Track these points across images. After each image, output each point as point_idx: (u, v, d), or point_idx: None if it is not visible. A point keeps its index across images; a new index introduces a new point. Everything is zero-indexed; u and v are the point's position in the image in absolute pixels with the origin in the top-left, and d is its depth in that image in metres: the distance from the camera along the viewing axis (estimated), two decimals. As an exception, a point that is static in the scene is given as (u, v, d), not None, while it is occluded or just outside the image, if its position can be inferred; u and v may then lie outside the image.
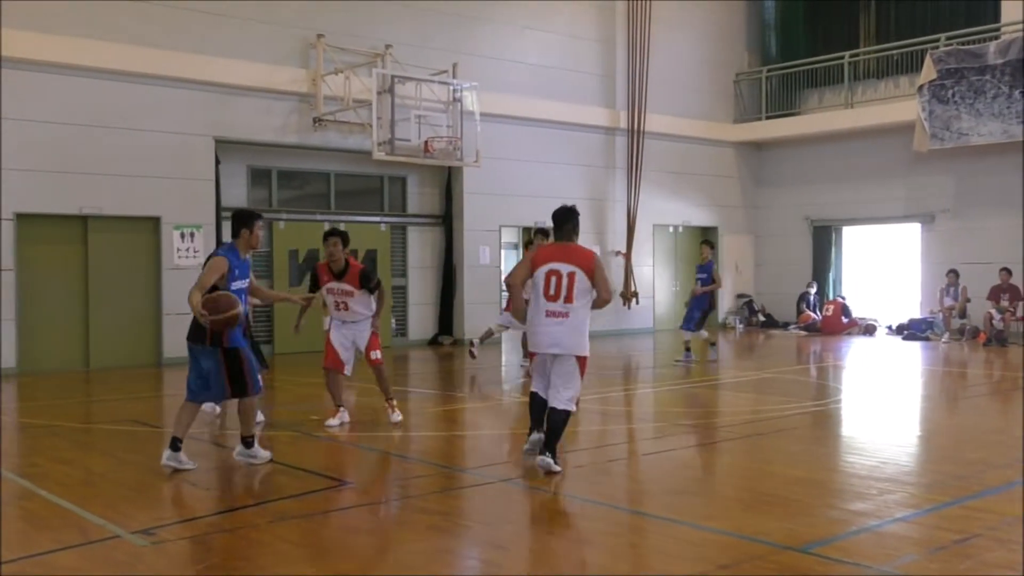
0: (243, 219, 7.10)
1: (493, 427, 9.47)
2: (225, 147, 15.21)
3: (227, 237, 15.18)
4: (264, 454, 7.16)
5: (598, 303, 7.01)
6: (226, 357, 6.84)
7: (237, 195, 15.66)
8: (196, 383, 7.03)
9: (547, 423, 6.89)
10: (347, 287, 8.76)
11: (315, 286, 9.00)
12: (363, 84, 15.31)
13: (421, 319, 17.80)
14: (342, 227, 16.47)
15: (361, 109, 15.49)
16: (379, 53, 16.06)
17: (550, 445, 6.79)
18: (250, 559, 5.05)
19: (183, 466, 6.89)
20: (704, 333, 14.46)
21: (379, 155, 14.83)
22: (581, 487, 6.75)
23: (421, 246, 17.70)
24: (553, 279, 6.89)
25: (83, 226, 13.91)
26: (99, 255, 14.00)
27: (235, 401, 7.14)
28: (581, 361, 6.95)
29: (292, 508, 5.99)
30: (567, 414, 6.88)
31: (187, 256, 14.50)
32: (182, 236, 14.51)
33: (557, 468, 6.75)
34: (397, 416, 9.03)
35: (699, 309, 14.28)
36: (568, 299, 6.85)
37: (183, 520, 5.72)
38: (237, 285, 6.99)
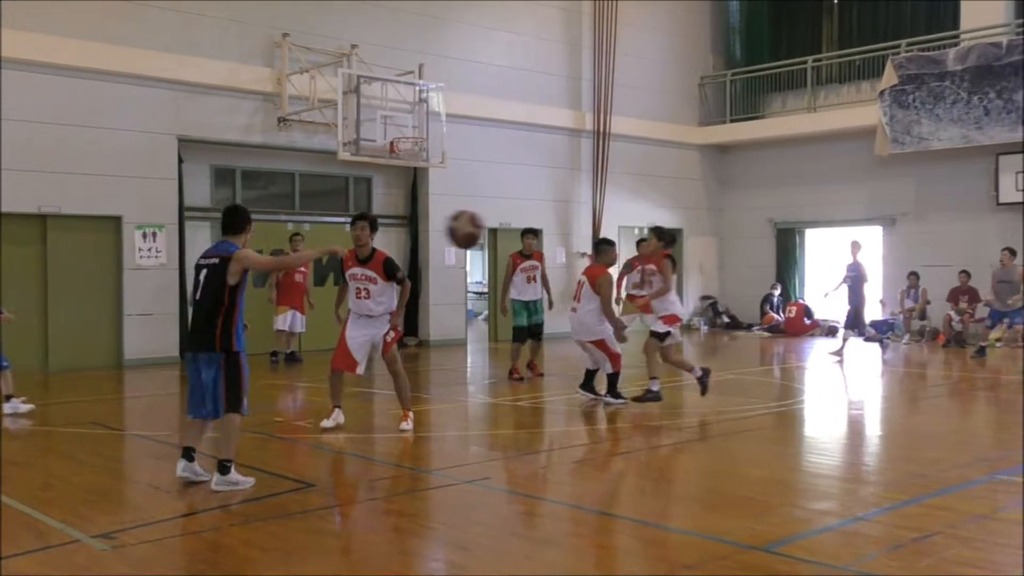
0: (246, 216, 6.74)
1: (458, 428, 9.46)
2: (188, 146, 15.06)
3: (192, 237, 15.10)
4: (247, 481, 6.42)
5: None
6: (227, 364, 6.40)
7: (200, 195, 15.51)
8: (194, 398, 6.55)
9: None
10: (371, 273, 8.52)
11: (341, 274, 8.83)
12: (329, 84, 15.23)
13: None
14: (306, 228, 16.41)
15: (326, 109, 15.41)
16: (345, 53, 15.99)
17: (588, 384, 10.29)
18: (214, 563, 5.00)
19: (199, 477, 6.48)
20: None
21: (344, 155, 14.76)
22: (545, 488, 6.76)
23: (386, 247, 17.48)
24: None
25: (42, 225, 13.70)
26: (58, 255, 13.79)
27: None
28: (597, 343, 9.98)
29: (257, 511, 5.94)
30: (610, 375, 10.05)
31: (149, 256, 14.33)
32: (144, 236, 14.33)
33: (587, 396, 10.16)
34: (408, 425, 8.61)
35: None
36: (577, 299, 10.11)
37: (145, 524, 5.64)
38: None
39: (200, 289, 6.45)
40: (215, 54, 14.95)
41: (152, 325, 14.34)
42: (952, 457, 7.57)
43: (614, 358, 10.03)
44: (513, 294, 12.41)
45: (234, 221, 6.66)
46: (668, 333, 10.06)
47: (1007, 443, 8.33)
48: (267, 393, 11.63)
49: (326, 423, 8.63)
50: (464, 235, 8.38)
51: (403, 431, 8.54)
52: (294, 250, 14.25)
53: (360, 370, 8.76)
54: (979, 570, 4.75)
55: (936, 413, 10.38)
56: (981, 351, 15.39)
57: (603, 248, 10.50)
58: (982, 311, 17.59)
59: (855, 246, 15.70)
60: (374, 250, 8.63)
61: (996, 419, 9.99)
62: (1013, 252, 15.33)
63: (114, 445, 8.00)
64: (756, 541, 5.18)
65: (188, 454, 6.52)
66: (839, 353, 15.33)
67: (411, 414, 8.77)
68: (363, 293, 8.55)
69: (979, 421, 10.09)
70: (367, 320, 8.62)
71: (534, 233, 12.96)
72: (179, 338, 14.52)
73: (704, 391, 10.06)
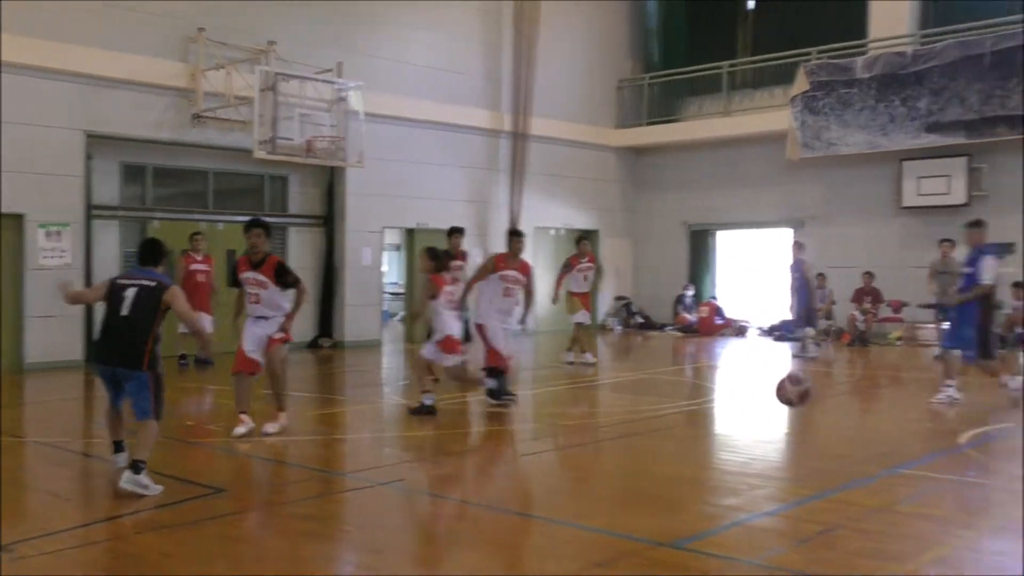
0: (163, 249, 7.10)
1: (372, 430, 9.38)
2: (97, 142, 14.61)
3: (99, 236, 14.67)
4: (156, 488, 6.32)
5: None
6: (151, 379, 6.55)
7: (109, 193, 15.07)
8: (118, 400, 6.79)
9: None
10: (262, 277, 8.42)
11: (234, 279, 8.69)
12: (245, 81, 14.94)
13: (300, 321, 17.39)
14: (220, 227, 16.09)
15: (242, 106, 15.11)
16: (262, 49, 15.71)
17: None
18: (118, 572, 4.87)
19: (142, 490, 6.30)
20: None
21: (260, 154, 14.50)
22: (459, 489, 6.76)
23: (302, 247, 17.37)
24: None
25: (-61, 223, 13.16)
26: (-44, 254, 13.25)
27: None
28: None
29: (163, 517, 5.80)
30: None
31: (52, 256, 13.84)
32: (48, 235, 13.85)
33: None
34: (273, 428, 8.45)
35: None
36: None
37: (45, 534, 5.44)
38: None
39: (131, 307, 6.56)
40: (126, 47, 14.51)
41: (55, 328, 13.83)
42: (854, 453, 7.81)
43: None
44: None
45: (153, 253, 6.99)
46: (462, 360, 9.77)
47: (905, 439, 8.63)
48: (177, 397, 11.37)
49: (238, 430, 8.41)
50: (799, 394, 8.87)
51: (267, 434, 8.33)
52: (195, 248, 14.03)
53: (260, 369, 8.64)
54: (880, 561, 4.91)
55: (840, 410, 10.69)
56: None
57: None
58: (884, 311, 18.21)
59: (797, 246, 15.75)
60: (267, 255, 8.54)
61: (896, 416, 10.32)
62: (954, 244, 15.15)
63: (14, 452, 7.72)
64: (666, 538, 5.26)
65: (119, 447, 6.85)
66: (804, 352, 15.44)
67: (283, 416, 8.61)
68: (254, 298, 8.50)
69: (879, 418, 10.42)
70: (262, 321, 8.56)
71: (459, 232, 13.13)
72: (83, 342, 14.07)
73: (494, 397, 9.95)
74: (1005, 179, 17.60)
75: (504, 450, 8.55)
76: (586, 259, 14.52)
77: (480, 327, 10.05)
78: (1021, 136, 16.54)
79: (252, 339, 8.53)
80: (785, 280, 16.09)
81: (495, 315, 9.96)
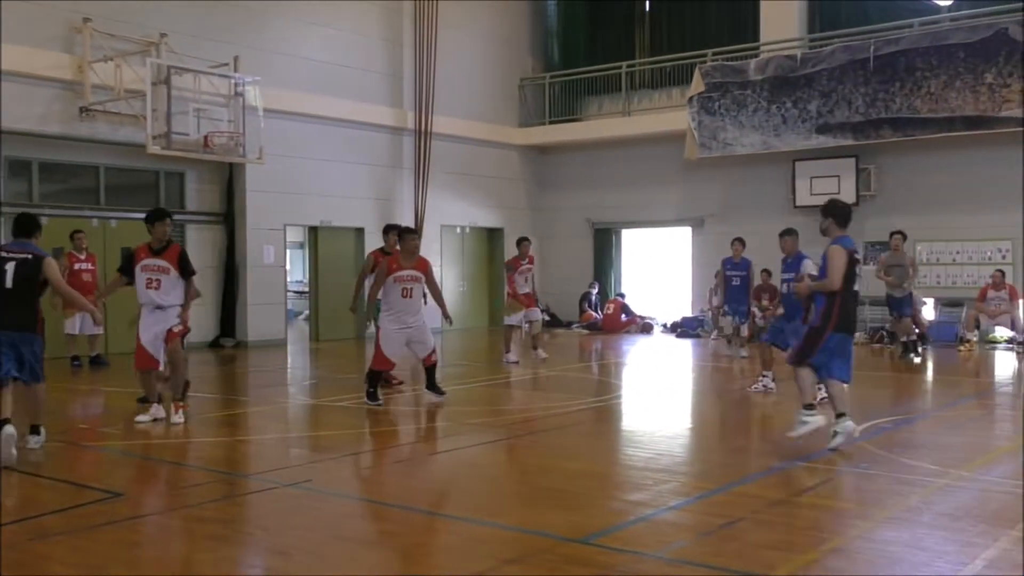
0: (37, 221, 7.79)
1: (277, 431, 9.21)
2: (-22, 135, 13.98)
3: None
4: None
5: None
6: (40, 346, 7.40)
7: (-8, 188, 14.44)
8: (10, 364, 7.18)
9: None
10: (164, 263, 8.69)
11: (128, 268, 8.80)
12: (136, 74, 14.48)
13: (201, 321, 17.01)
14: (113, 224, 15.58)
15: (134, 100, 14.65)
16: (153, 41, 15.24)
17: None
18: (7, 582, 4.66)
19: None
20: None
21: (154, 149, 14.09)
22: (367, 488, 6.70)
23: (201, 245, 16.92)
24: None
25: None
26: None
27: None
28: None
29: (56, 524, 5.58)
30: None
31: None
32: (-74, 232, 13.19)
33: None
34: (180, 418, 8.79)
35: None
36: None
37: (-73, 543, 5.18)
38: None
39: (12, 279, 7.23)
40: (7, 37, 13.88)
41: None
42: (754, 446, 8.02)
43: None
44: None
45: (28, 224, 7.63)
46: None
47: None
48: (70, 399, 10.96)
49: (142, 418, 8.65)
50: None
51: (175, 424, 8.69)
52: (77, 247, 13.62)
53: (162, 366, 8.87)
54: (780, 551, 5.05)
55: (742, 404, 10.96)
56: (908, 349, 14.83)
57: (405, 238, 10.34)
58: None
59: (739, 243, 15.07)
60: (169, 241, 8.90)
61: (793, 408, 10.62)
62: (904, 236, 15.36)
63: None
64: (575, 533, 5.31)
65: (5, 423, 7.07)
66: (734, 351, 15.40)
67: (183, 406, 8.97)
68: (154, 283, 8.70)
69: (778, 411, 10.72)
70: (158, 313, 8.75)
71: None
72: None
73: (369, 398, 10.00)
74: (891, 179, 18.34)
75: (412, 448, 8.50)
76: (527, 260, 14.30)
77: (378, 328, 9.99)
78: (904, 138, 17.26)
79: (149, 332, 8.69)
80: (701, 277, 15.48)
81: (393, 318, 9.87)
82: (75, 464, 7.53)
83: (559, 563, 4.86)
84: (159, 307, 8.71)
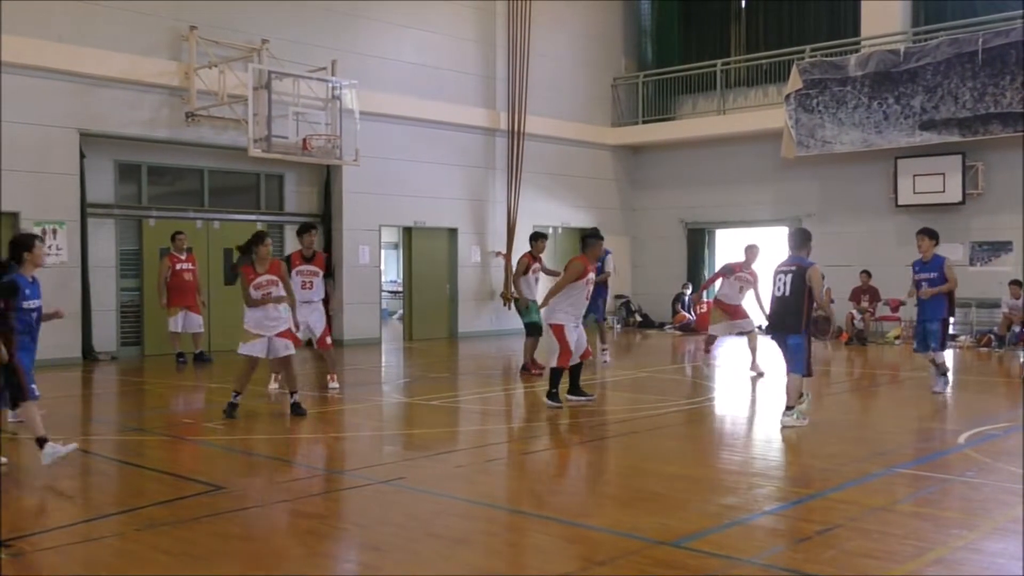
0: (23, 244, 7.23)
1: (373, 428, 9.37)
2: (91, 141, 14.59)
3: (95, 233, 14.65)
4: (71, 446, 6.94)
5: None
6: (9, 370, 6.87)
7: (104, 191, 15.05)
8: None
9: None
10: (314, 268, 10.86)
11: (289, 272, 10.01)
12: (238, 79, 14.93)
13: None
14: (216, 226, 16.07)
15: (236, 105, 15.10)
16: (255, 47, 15.69)
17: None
18: (117, 569, 4.85)
19: None
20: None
21: (255, 152, 14.49)
22: (460, 487, 6.76)
23: (298, 245, 17.27)
24: None
25: (-66, 221, 13.11)
26: (-48, 252, 13.19)
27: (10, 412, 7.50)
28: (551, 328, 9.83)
29: (162, 514, 5.79)
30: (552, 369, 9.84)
31: (48, 254, 13.76)
32: (43, 232, 13.81)
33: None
34: (335, 384, 11.13)
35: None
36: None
37: (44, 530, 5.45)
38: (29, 305, 7.11)
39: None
40: (118, 46, 14.50)
41: (53, 325, 13.76)
42: (853, 452, 7.81)
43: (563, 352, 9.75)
44: (526, 293, 12.91)
45: (13, 251, 7.21)
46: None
47: (902, 437, 8.64)
48: (174, 395, 11.35)
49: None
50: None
51: (332, 389, 11.04)
52: (178, 248, 14.08)
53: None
54: (878, 560, 4.91)
55: (838, 409, 10.69)
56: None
57: (589, 242, 10.16)
58: (882, 309, 18.22)
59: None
60: (315, 251, 11.02)
61: (894, 414, 10.34)
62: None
63: (11, 450, 7.69)
64: (667, 536, 5.26)
65: None
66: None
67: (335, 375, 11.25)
68: (308, 285, 10.75)
69: (878, 417, 10.44)
70: (307, 307, 10.60)
71: (542, 237, 13.37)
72: (81, 341, 14.14)
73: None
74: (1000, 177, 17.64)
75: (504, 448, 8.54)
76: (744, 270, 13.54)
77: (557, 326, 9.84)
78: (1015, 134, 16.59)
79: (301, 322, 10.17)
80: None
81: (572, 315, 9.86)
82: (179, 457, 7.79)
83: (649, 566, 4.82)
84: (308, 302, 10.55)
